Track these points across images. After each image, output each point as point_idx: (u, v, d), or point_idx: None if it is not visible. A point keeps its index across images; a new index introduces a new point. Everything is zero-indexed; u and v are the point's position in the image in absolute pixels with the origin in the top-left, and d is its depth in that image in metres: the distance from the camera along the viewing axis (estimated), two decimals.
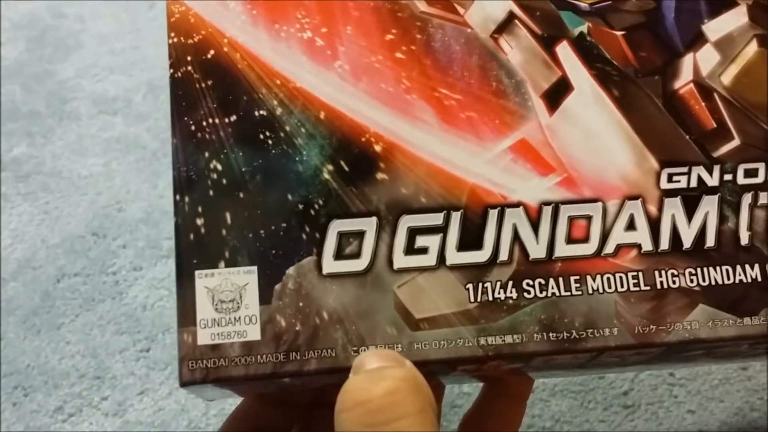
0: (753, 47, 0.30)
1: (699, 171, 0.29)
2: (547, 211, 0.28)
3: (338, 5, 0.29)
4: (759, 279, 0.28)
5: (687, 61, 0.30)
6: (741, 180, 0.29)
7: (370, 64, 0.29)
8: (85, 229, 0.59)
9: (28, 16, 0.76)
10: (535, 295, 0.28)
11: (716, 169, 0.29)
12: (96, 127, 0.70)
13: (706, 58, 0.30)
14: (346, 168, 0.28)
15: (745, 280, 0.28)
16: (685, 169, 0.29)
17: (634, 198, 0.29)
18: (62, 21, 0.76)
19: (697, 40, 0.30)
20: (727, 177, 0.29)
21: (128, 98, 0.71)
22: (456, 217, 0.28)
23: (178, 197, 0.28)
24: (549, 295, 0.28)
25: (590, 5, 0.30)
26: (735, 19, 0.31)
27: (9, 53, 0.74)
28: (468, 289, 0.28)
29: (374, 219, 0.28)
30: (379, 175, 0.28)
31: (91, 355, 0.54)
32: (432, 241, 0.28)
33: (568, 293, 0.28)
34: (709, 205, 0.29)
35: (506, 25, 0.30)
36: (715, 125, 0.29)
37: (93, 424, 0.52)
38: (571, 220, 0.28)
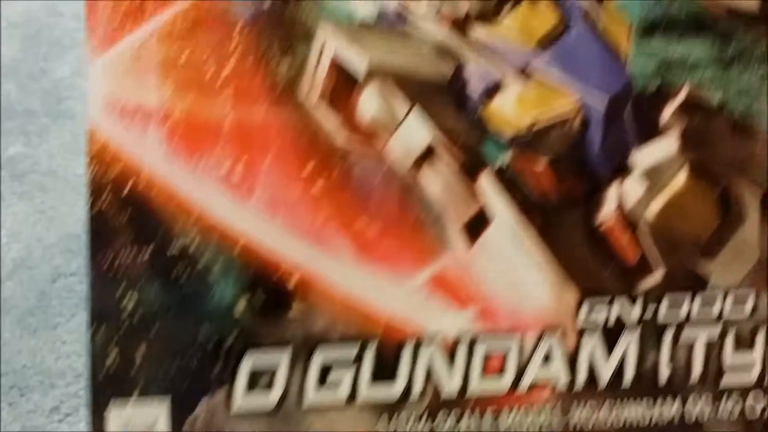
0: (681, 178, 0.30)
1: (620, 304, 0.29)
2: (464, 344, 0.28)
3: (257, 138, 0.30)
4: (676, 420, 0.28)
5: (612, 192, 0.30)
6: (663, 313, 0.29)
7: (288, 197, 0.29)
8: (81, 229, 0.60)
9: (24, 14, 0.76)
10: (449, 429, 0.28)
11: (638, 302, 0.29)
12: None
13: (631, 188, 0.30)
14: (261, 302, 0.29)
15: (661, 423, 0.28)
16: (605, 302, 0.29)
17: (552, 331, 0.28)
18: (58, 19, 0.75)
19: (624, 169, 0.30)
20: (649, 311, 0.29)
21: None
22: (371, 350, 0.28)
23: (93, 328, 0.29)
24: (462, 430, 0.28)
25: (514, 135, 0.30)
26: (664, 148, 0.30)
27: (4, 52, 0.74)
28: (381, 423, 0.28)
29: (287, 353, 0.28)
30: (294, 309, 0.29)
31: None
32: (346, 375, 0.28)
33: (479, 428, 0.28)
34: (629, 339, 0.29)
35: (426, 157, 0.30)
36: (638, 258, 0.29)
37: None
38: (487, 354, 0.28)
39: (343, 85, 0.30)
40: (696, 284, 0.29)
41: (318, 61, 0.30)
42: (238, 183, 0.29)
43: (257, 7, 0.30)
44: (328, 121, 0.30)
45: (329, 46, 0.30)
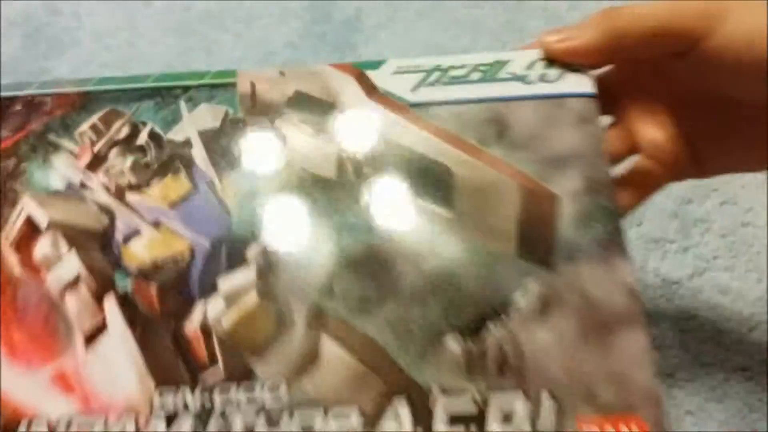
0: (253, 298, 0.40)
1: (184, 392, 0.39)
2: (63, 423, 0.39)
3: None
4: None
5: (199, 308, 0.40)
6: (216, 400, 0.38)
7: None
8: None
9: (23, 12, 0.75)
10: None
11: (197, 390, 0.39)
12: None
13: (214, 306, 0.40)
14: None
15: None
16: (173, 390, 0.39)
17: (129, 414, 0.39)
18: (57, 18, 0.75)
19: (211, 291, 0.40)
20: (206, 398, 0.38)
21: None
22: None
23: None
24: None
25: (138, 268, 0.41)
26: (243, 275, 0.41)
27: (4, 50, 0.73)
28: None
29: None
30: None
31: None
32: None
33: None
34: (184, 420, 0.38)
35: (72, 284, 0.42)
36: (206, 356, 0.39)
37: None
38: (79, 429, 0.39)
39: (29, 235, 0.43)
40: (246, 376, 0.38)
41: (17, 219, 0.43)
42: None
43: None
44: (10, 259, 0.42)
45: (26, 208, 0.43)
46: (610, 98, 0.46)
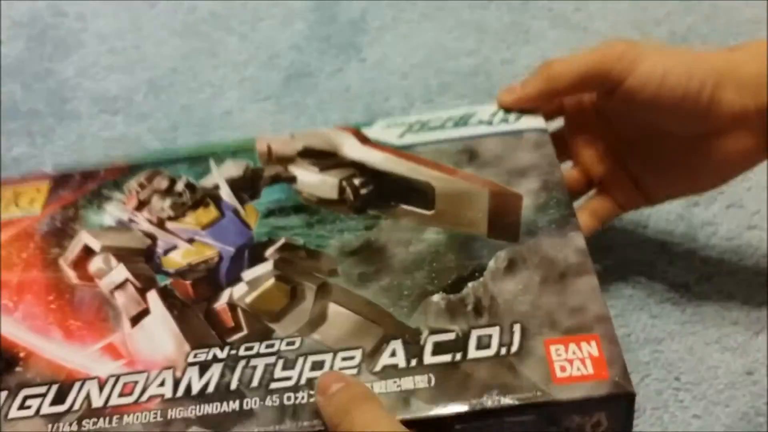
0: (270, 282, 0.49)
1: (215, 350, 0.46)
2: (112, 379, 0.46)
3: (26, 282, 0.52)
4: (237, 410, 0.43)
5: (226, 292, 0.49)
6: (241, 353, 0.46)
7: (35, 309, 0.50)
8: None
9: (28, 14, 0.74)
10: (89, 429, 0.44)
11: (226, 348, 0.46)
12: (96, 126, 0.69)
13: (239, 289, 0.49)
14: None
15: (232, 415, 0.43)
16: (206, 350, 0.47)
17: (168, 368, 0.46)
18: (63, 20, 0.73)
19: (237, 281, 0.49)
20: (233, 352, 0.46)
21: (129, 97, 0.70)
22: (54, 387, 0.45)
23: None
24: (99, 428, 0.44)
25: (176, 270, 0.51)
26: (263, 267, 0.50)
27: (9, 52, 0.71)
28: (50, 425, 0.44)
29: (4, 393, 0.45)
30: (17, 369, 0.47)
31: None
32: (36, 402, 0.45)
33: (111, 425, 0.44)
34: (214, 369, 0.46)
35: (120, 285, 0.50)
36: (233, 324, 0.47)
37: None
38: (124, 383, 0.46)
39: (85, 257, 0.52)
40: (267, 336, 0.46)
41: (75, 246, 0.53)
42: (13, 305, 0.50)
43: (51, 223, 0.54)
44: (69, 273, 0.52)
45: (83, 238, 0.53)
46: (565, 147, 0.58)
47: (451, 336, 0.45)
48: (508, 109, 0.56)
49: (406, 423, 0.40)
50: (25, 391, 0.45)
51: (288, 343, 0.45)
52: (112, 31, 0.75)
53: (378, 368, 0.43)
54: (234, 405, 0.43)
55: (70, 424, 0.43)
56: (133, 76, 0.72)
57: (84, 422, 0.43)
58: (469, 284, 0.47)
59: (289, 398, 0.43)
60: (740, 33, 0.76)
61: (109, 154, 0.65)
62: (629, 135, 0.56)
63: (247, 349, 0.45)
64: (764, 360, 0.54)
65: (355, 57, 0.77)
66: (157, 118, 0.71)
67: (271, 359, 0.45)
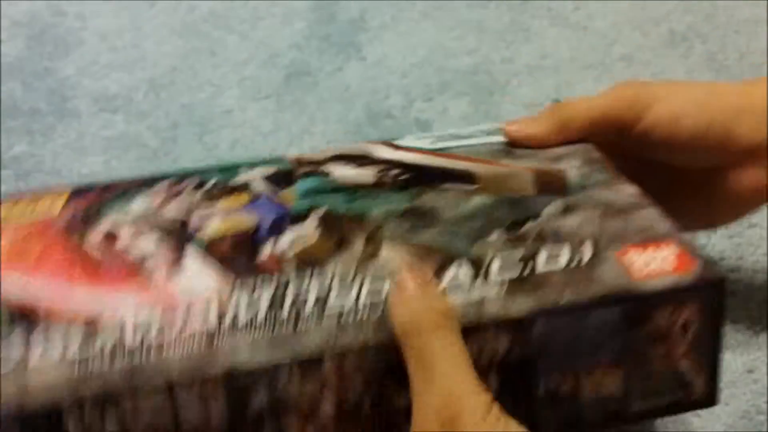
0: (315, 235, 0.47)
1: (263, 277, 0.44)
2: (145, 318, 0.42)
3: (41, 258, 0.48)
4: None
5: (269, 244, 0.46)
6: (292, 276, 0.44)
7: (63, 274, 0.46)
8: None
9: (29, 13, 0.74)
10: (122, 367, 0.39)
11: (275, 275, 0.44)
12: (96, 125, 0.68)
13: (282, 242, 0.46)
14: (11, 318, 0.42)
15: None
16: (251, 287, 0.43)
17: (213, 300, 0.43)
18: (62, 19, 0.74)
19: (279, 235, 0.47)
20: (283, 279, 0.44)
21: (129, 96, 0.70)
22: (80, 330, 0.41)
23: None
24: (135, 365, 0.40)
25: (209, 237, 0.48)
26: (307, 224, 0.48)
27: (9, 51, 0.72)
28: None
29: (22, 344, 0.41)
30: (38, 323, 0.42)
31: None
32: (58, 348, 0.40)
33: (147, 362, 0.40)
34: (264, 291, 0.43)
35: (153, 253, 0.47)
36: (278, 270, 0.45)
37: None
38: (161, 325, 0.41)
39: (111, 239, 0.49)
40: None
41: (100, 230, 0.50)
42: (32, 267, 0.46)
43: (71, 219, 0.51)
44: (94, 252, 0.48)
45: (107, 225, 0.50)
46: None
47: (518, 254, 0.43)
48: (514, 144, 0.54)
49: (480, 328, 0.39)
50: (46, 339, 0.41)
51: (342, 273, 0.43)
52: (112, 30, 0.75)
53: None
54: (288, 328, 0.40)
55: (101, 363, 0.39)
56: (133, 75, 0.72)
57: (116, 360, 0.39)
58: (528, 224, 0.46)
59: (347, 318, 0.40)
60: (740, 32, 0.77)
61: (109, 154, 0.64)
62: (644, 168, 0.54)
63: (297, 276, 0.43)
64: (765, 358, 0.53)
65: (355, 56, 0.77)
66: (157, 116, 0.70)
67: (326, 282, 0.43)
